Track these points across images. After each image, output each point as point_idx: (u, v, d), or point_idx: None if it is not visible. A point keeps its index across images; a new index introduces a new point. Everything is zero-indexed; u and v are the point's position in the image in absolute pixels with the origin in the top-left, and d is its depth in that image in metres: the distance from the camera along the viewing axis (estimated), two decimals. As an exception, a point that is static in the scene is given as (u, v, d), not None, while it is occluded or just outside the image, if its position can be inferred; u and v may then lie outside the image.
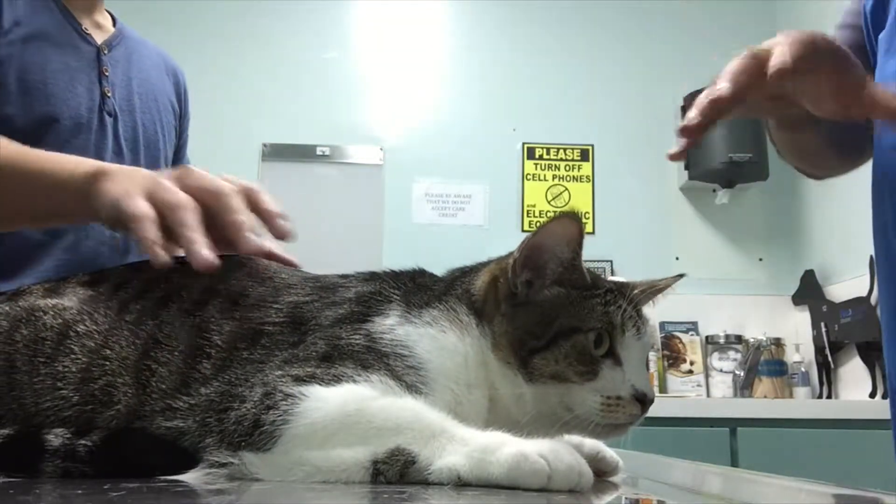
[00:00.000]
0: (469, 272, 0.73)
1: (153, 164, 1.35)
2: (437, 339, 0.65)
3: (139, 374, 0.63)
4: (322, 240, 2.93)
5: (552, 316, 0.66)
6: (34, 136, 1.18)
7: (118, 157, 1.27)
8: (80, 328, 0.65)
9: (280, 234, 0.70)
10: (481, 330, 0.67)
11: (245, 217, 0.69)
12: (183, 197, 0.72)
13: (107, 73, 1.27)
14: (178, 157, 1.49)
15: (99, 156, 1.23)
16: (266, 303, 0.68)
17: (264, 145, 3.10)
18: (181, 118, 1.47)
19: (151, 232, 0.69)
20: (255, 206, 0.72)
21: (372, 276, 0.73)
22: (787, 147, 1.15)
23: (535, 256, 0.68)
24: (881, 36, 1.03)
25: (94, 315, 0.67)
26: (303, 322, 0.66)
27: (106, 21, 1.35)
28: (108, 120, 1.26)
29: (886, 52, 1.01)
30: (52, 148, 1.18)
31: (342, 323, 0.65)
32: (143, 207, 0.71)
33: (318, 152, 3.11)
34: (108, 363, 0.63)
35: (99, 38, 1.29)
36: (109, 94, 1.26)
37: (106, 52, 1.28)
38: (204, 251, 0.67)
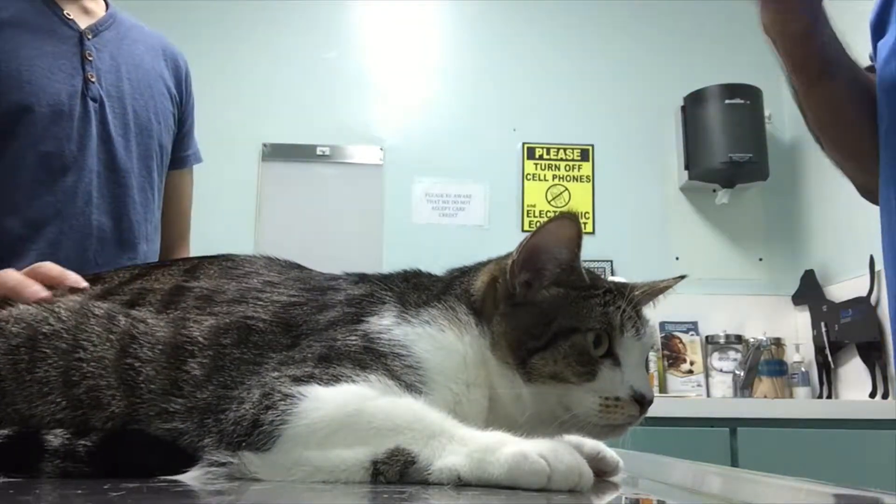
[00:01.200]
0: (468, 272, 0.73)
1: (146, 150, 1.31)
2: (435, 339, 0.65)
3: (122, 375, 0.61)
4: (322, 240, 2.93)
5: (551, 316, 0.66)
6: (8, 124, 1.16)
7: (106, 144, 1.24)
8: (46, 329, 0.64)
9: (77, 287, 0.75)
10: (480, 329, 0.67)
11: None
12: None
13: (90, 58, 1.24)
14: (184, 145, 1.46)
15: (83, 142, 1.21)
16: (247, 298, 0.67)
17: (264, 145, 3.09)
18: (182, 104, 1.43)
19: None
20: (46, 280, 0.76)
21: (362, 279, 0.73)
22: (817, 118, 1.14)
23: (534, 257, 0.68)
24: (880, 43, 1.03)
25: (58, 313, 0.66)
26: (294, 325, 0.65)
27: (97, 6, 1.32)
28: (93, 106, 1.23)
29: (886, 61, 1.01)
30: (29, 137, 1.17)
31: (337, 325, 0.64)
32: None
33: (318, 152, 3.11)
34: (84, 364, 0.62)
35: (85, 22, 1.26)
36: (93, 80, 1.23)
37: (90, 36, 1.25)
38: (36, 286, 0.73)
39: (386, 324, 0.64)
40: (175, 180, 1.45)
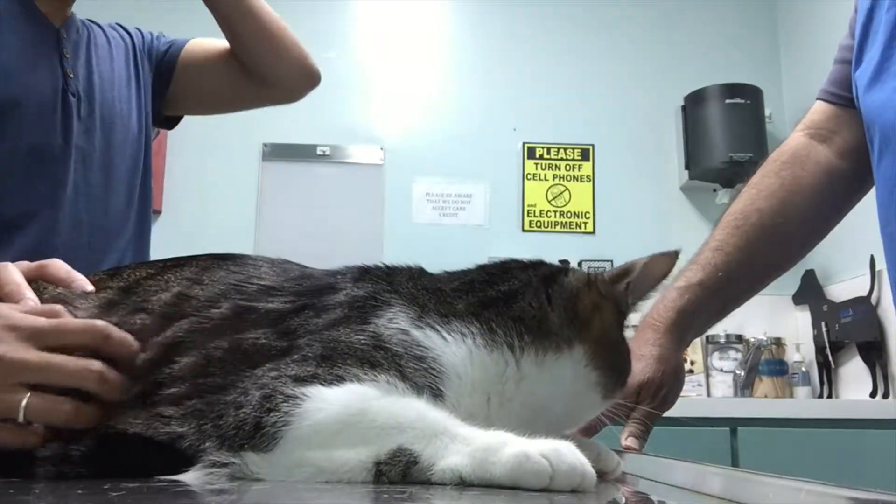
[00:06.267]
0: (521, 290, 0.69)
1: (122, 141, 1.34)
2: (461, 348, 0.62)
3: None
4: (322, 240, 2.93)
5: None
6: None
7: (88, 136, 1.27)
8: None
9: (83, 292, 0.70)
10: (549, 346, 0.66)
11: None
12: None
13: (67, 56, 1.27)
14: (171, 53, 1.54)
15: (66, 136, 1.24)
16: (246, 316, 0.64)
17: (264, 145, 3.09)
18: (159, 60, 1.51)
19: None
20: (52, 281, 0.72)
21: (363, 275, 0.69)
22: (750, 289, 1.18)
23: (635, 281, 0.71)
24: (857, 74, 1.01)
25: None
26: (290, 331, 0.63)
27: (64, 5, 1.33)
28: (73, 101, 1.25)
29: (867, 90, 0.99)
30: (19, 130, 1.18)
31: (339, 325, 0.63)
32: None
33: (318, 152, 3.11)
34: None
35: (57, 21, 1.29)
36: (72, 75, 1.26)
37: (64, 34, 1.28)
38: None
39: (401, 325, 0.62)
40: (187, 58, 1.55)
